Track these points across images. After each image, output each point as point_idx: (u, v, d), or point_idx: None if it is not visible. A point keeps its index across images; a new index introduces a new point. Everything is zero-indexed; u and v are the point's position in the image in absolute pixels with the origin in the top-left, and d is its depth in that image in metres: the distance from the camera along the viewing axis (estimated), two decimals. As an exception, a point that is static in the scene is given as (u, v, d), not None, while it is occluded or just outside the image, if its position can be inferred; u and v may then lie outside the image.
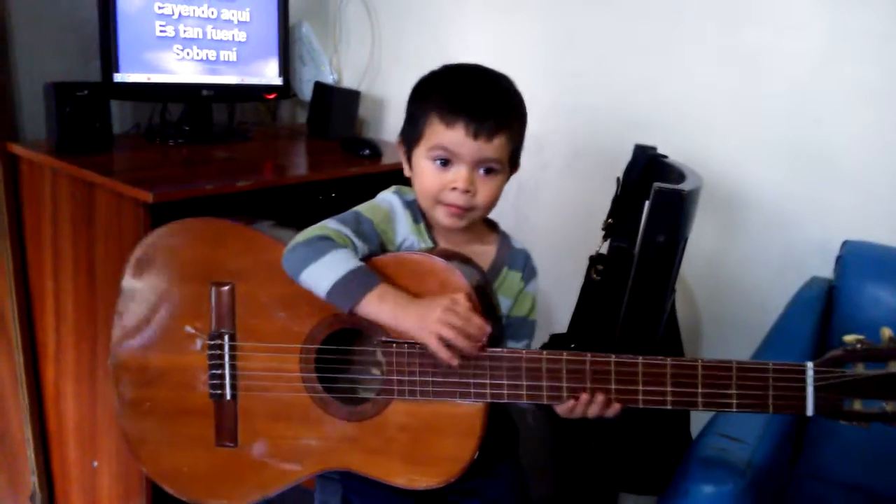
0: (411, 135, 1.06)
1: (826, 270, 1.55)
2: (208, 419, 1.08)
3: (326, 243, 0.97)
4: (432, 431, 1.01)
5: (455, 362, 0.95)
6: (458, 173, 1.01)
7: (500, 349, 0.99)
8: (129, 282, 1.09)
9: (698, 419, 1.26)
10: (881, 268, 1.45)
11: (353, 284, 0.95)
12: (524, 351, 0.99)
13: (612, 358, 0.95)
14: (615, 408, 0.96)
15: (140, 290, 1.09)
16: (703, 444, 1.05)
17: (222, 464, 1.08)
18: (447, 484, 1.01)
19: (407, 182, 1.11)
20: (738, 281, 1.71)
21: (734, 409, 0.92)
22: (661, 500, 1.08)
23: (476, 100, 1.01)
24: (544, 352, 0.98)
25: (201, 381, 1.07)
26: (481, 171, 1.03)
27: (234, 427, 1.07)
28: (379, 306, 0.95)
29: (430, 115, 1.02)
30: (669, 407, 0.94)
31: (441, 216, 1.05)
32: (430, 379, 0.99)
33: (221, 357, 1.06)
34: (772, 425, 1.11)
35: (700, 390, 0.93)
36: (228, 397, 1.06)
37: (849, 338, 0.89)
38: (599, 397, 0.96)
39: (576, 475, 1.47)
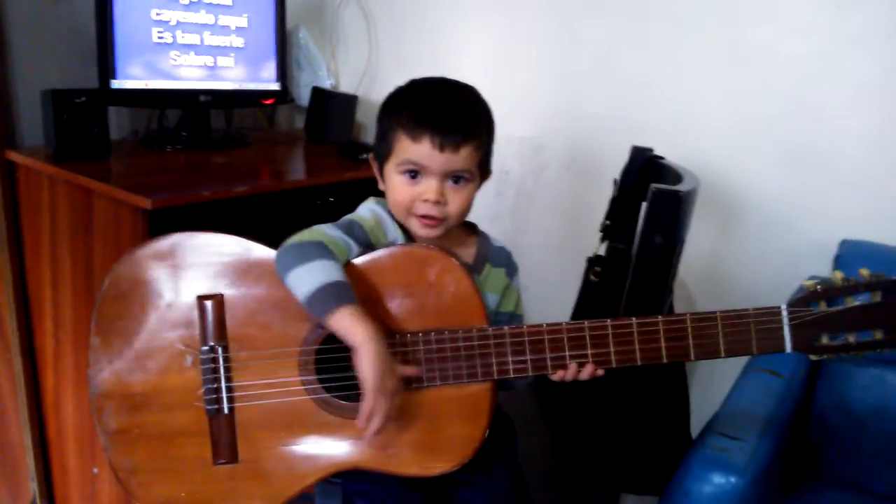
0: (382, 150, 1.10)
1: (824, 270, 1.55)
2: (203, 438, 1.04)
3: (319, 249, 0.98)
4: (442, 416, 1.03)
5: (364, 426, 0.97)
6: (428, 185, 1.04)
7: (502, 327, 1.02)
8: (106, 305, 1.04)
9: (698, 419, 1.27)
10: (879, 267, 1.42)
11: (329, 297, 0.95)
12: (525, 326, 1.02)
13: (609, 322, 1.01)
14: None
15: (119, 313, 1.04)
16: (704, 444, 1.06)
17: (223, 483, 1.04)
18: (461, 466, 1.03)
19: (381, 194, 1.14)
20: (736, 281, 1.72)
21: (723, 355, 1.00)
22: (662, 500, 1.09)
23: (440, 113, 1.04)
24: (544, 324, 1.01)
25: (195, 399, 1.03)
26: (450, 182, 1.06)
27: (232, 442, 1.03)
28: (348, 327, 0.94)
29: (398, 130, 1.05)
30: (665, 361, 1.00)
31: (416, 227, 1.08)
32: (437, 366, 1.01)
33: (216, 371, 1.03)
34: (772, 423, 1.11)
35: (692, 342, 1.00)
36: (226, 411, 1.03)
37: (808, 282, 0.99)
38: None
39: (577, 476, 1.47)
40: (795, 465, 1.46)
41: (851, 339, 0.97)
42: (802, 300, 0.98)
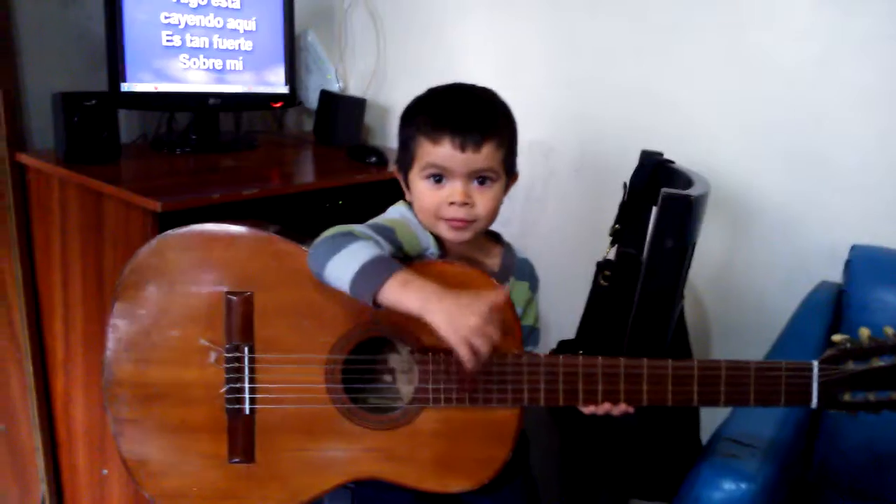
0: (404, 160, 1.09)
1: (835, 274, 1.55)
2: (220, 435, 1.02)
3: (349, 237, 0.95)
4: (466, 436, 1.02)
5: (474, 368, 0.92)
6: (454, 188, 1.03)
7: (538, 354, 1.01)
8: (127, 291, 1.01)
9: (708, 424, 1.26)
10: (889, 271, 1.44)
11: (375, 271, 0.91)
12: (560, 357, 1.00)
13: (645, 362, 0.99)
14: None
15: (140, 301, 1.01)
16: (714, 450, 1.05)
17: (236, 481, 1.03)
18: (480, 486, 1.03)
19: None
20: (747, 286, 1.71)
21: (752, 404, 1.00)
22: (671, 507, 1.08)
23: (458, 113, 1.03)
24: (580, 356, 1.00)
25: (214, 396, 1.01)
26: (476, 183, 1.04)
27: (250, 442, 1.02)
28: (403, 293, 0.90)
29: (418, 136, 1.04)
30: (696, 404, 1.01)
31: (444, 231, 1.05)
32: (467, 387, 1.00)
33: (240, 370, 1.02)
34: (783, 430, 1.11)
35: (723, 388, 0.99)
36: (247, 412, 1.02)
37: (837, 337, 0.99)
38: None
39: (586, 481, 1.46)
40: (806, 472, 1.45)
41: (871, 397, 0.99)
42: (833, 358, 0.98)
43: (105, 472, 1.61)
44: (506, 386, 1.00)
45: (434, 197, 1.04)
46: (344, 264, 0.93)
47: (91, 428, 1.63)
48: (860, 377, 0.98)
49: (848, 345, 0.98)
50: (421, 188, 1.05)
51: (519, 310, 1.12)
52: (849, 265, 1.48)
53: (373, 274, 0.91)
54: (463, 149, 1.01)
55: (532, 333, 1.17)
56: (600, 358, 1.00)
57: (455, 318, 0.89)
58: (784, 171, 1.62)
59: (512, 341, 1.00)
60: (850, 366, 0.98)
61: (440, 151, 1.02)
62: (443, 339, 0.90)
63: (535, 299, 1.17)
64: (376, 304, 0.92)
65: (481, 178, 1.04)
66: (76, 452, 1.70)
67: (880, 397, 0.98)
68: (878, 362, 0.97)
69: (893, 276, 1.44)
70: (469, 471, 1.03)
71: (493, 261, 1.13)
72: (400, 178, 1.12)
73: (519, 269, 1.14)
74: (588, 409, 1.02)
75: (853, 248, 1.50)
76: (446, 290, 0.91)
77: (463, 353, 0.90)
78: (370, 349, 1.04)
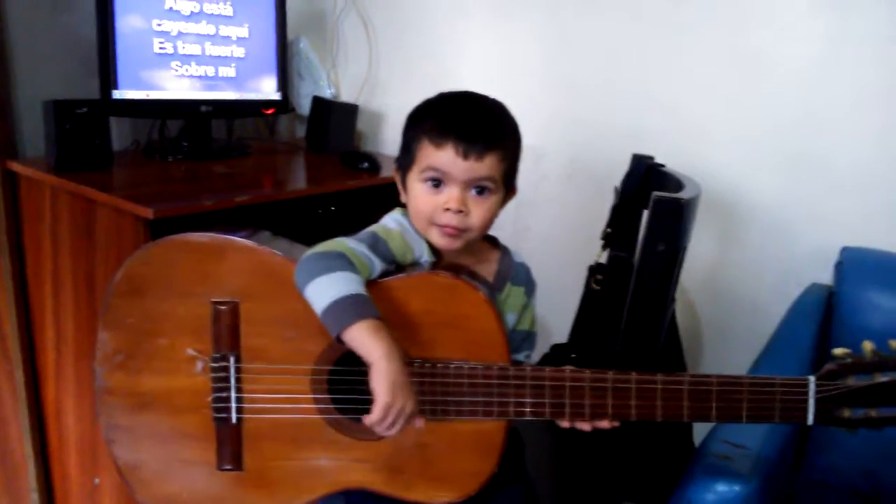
0: (405, 161, 1.08)
1: (825, 277, 1.55)
2: (209, 443, 1.03)
3: (340, 261, 0.95)
4: (452, 448, 1.02)
5: (376, 429, 0.93)
6: (451, 194, 1.02)
7: (524, 365, 1.00)
8: (117, 300, 1.02)
9: (701, 426, 1.26)
10: (880, 274, 1.45)
11: (350, 309, 0.92)
12: (548, 368, 0.99)
13: (633, 375, 0.98)
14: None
15: (130, 309, 1.02)
16: (707, 452, 1.05)
17: (226, 488, 1.04)
18: (466, 498, 1.02)
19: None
20: (738, 288, 1.72)
21: (744, 421, 0.98)
22: (665, 509, 1.08)
23: (465, 120, 1.02)
24: (567, 369, 0.99)
25: (202, 405, 1.02)
26: (473, 192, 1.03)
27: (238, 450, 1.03)
28: (366, 341, 0.91)
29: (422, 138, 1.04)
30: (686, 420, 0.98)
31: (435, 237, 1.05)
32: (453, 399, 0.99)
33: (226, 380, 1.01)
34: (775, 431, 1.11)
35: (714, 404, 0.97)
36: (234, 420, 1.02)
37: (838, 351, 0.96)
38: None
39: (579, 484, 1.46)
40: (799, 473, 1.45)
41: (873, 413, 0.95)
42: (831, 374, 0.95)
43: (97, 480, 1.60)
44: (492, 399, 0.99)
45: (430, 201, 1.03)
46: (323, 290, 0.93)
47: (83, 437, 1.62)
48: (861, 393, 0.94)
49: (849, 359, 0.95)
50: (418, 190, 1.05)
51: (514, 316, 1.13)
52: (839, 267, 1.49)
53: (345, 312, 0.92)
54: (466, 156, 1.00)
55: (528, 338, 1.17)
56: (588, 371, 0.99)
57: (392, 389, 0.90)
58: (775, 173, 1.63)
59: (497, 354, 1.00)
60: (851, 381, 0.95)
61: (442, 156, 1.01)
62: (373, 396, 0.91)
63: (531, 304, 1.16)
64: (339, 341, 0.93)
65: (479, 187, 1.03)
66: (68, 461, 1.69)
67: (883, 413, 0.95)
68: (881, 378, 0.94)
69: (883, 278, 1.45)
70: (455, 483, 1.03)
71: (489, 267, 1.13)
72: (398, 178, 1.11)
73: (516, 275, 1.13)
74: (565, 424, 1.01)
75: (843, 249, 1.51)
76: (399, 356, 0.92)
77: (376, 417, 0.91)
78: (357, 359, 1.04)
